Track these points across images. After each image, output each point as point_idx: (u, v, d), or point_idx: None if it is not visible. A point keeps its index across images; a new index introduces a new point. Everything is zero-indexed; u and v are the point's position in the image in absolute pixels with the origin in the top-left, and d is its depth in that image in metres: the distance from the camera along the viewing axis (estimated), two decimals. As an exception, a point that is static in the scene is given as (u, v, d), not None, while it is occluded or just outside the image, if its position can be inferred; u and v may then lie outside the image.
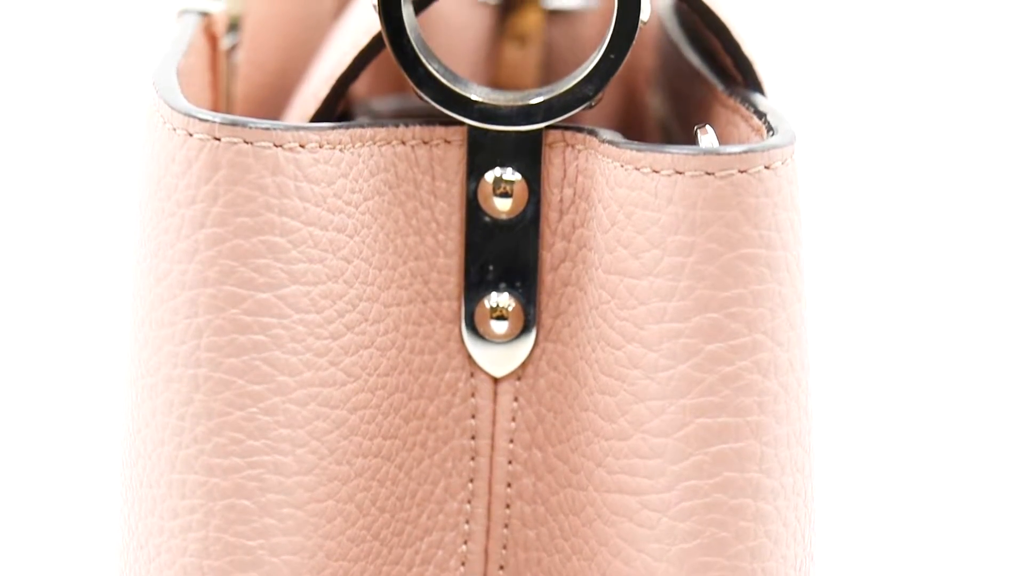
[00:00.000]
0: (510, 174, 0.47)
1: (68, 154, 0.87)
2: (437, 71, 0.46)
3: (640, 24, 0.46)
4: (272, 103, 0.65)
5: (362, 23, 0.50)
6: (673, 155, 0.43)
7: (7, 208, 0.84)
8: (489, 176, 0.47)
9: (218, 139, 0.43)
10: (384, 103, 0.68)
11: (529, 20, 0.76)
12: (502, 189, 0.47)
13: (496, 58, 0.77)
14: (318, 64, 0.57)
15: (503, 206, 0.47)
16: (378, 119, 0.63)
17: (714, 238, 0.42)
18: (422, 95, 0.46)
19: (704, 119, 0.53)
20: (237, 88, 0.62)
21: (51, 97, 0.92)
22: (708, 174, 0.42)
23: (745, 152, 0.42)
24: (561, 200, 0.47)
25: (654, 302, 0.43)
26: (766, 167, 0.42)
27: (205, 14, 0.57)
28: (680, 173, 0.42)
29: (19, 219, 0.84)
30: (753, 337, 0.42)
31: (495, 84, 0.77)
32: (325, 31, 0.72)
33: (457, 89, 0.46)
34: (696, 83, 0.55)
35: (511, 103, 0.46)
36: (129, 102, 0.84)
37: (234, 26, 0.61)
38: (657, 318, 0.43)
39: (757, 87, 0.50)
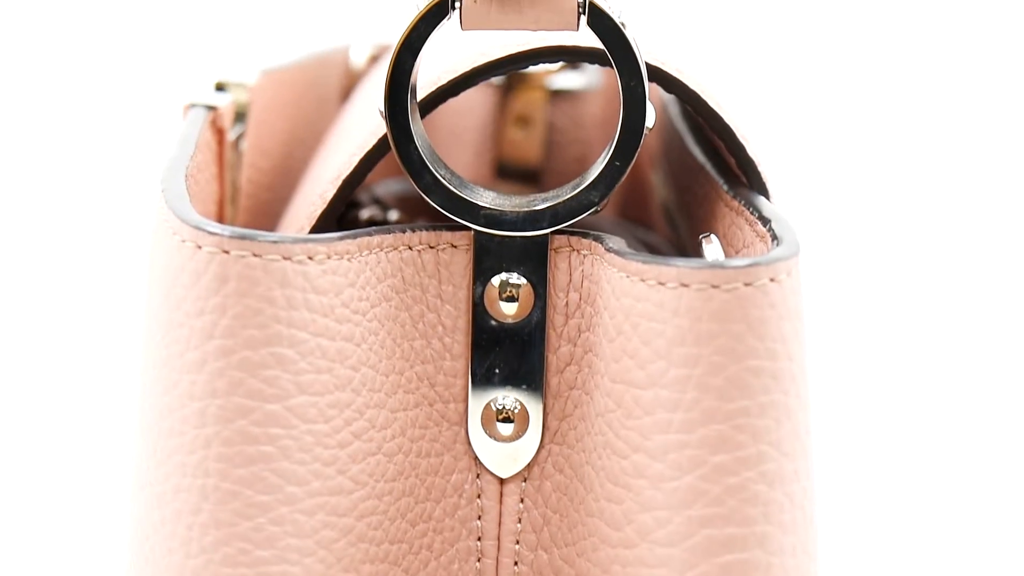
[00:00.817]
0: (516, 278, 0.47)
1: (75, 245, 0.88)
2: (444, 177, 0.47)
3: (646, 131, 0.46)
4: (277, 188, 0.66)
5: (369, 123, 0.51)
6: (679, 268, 0.43)
7: (13, 302, 0.84)
8: (495, 280, 0.47)
9: (227, 252, 0.43)
10: (387, 187, 0.69)
11: (531, 100, 0.77)
12: (508, 293, 0.47)
13: (499, 137, 0.77)
14: (324, 157, 0.58)
15: (509, 310, 0.47)
16: (381, 204, 0.64)
17: (720, 351, 0.42)
18: (429, 201, 0.47)
19: (708, 218, 0.53)
20: (242, 176, 0.62)
21: (58, 188, 0.92)
22: (714, 287, 0.42)
23: (750, 266, 0.42)
24: (567, 304, 0.47)
25: (660, 413, 0.43)
26: (771, 280, 0.43)
27: (212, 108, 0.58)
28: (685, 286, 0.43)
29: (26, 307, 0.85)
30: (758, 448, 0.43)
31: (499, 162, 0.77)
32: (331, 114, 0.73)
33: (464, 195, 0.47)
34: (700, 178, 0.55)
35: (517, 209, 0.47)
36: (137, 197, 0.85)
37: (240, 115, 0.61)
38: (663, 429, 0.43)
39: (761, 188, 0.50)
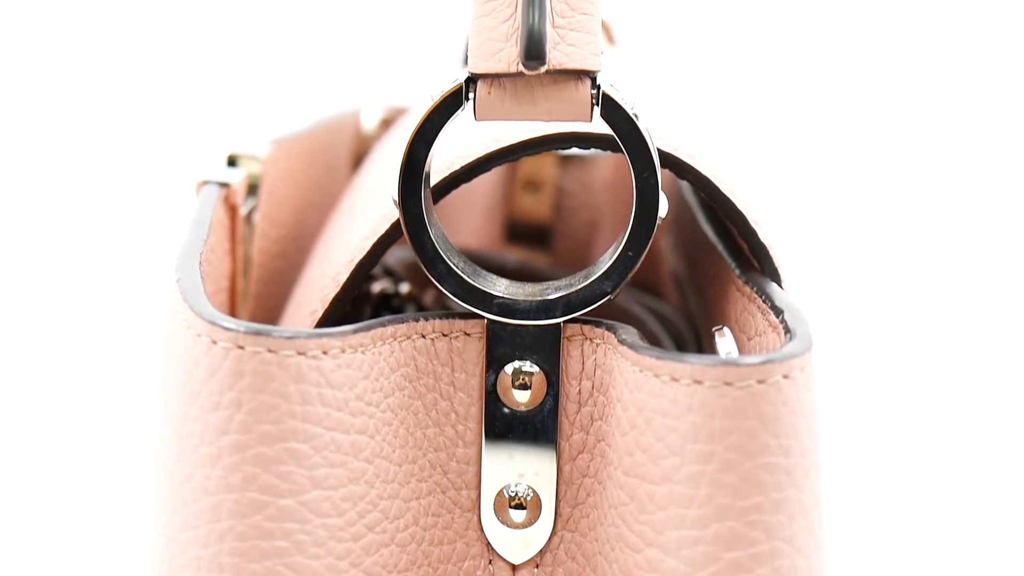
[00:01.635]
0: (529, 367, 0.47)
1: (89, 324, 0.88)
2: (457, 266, 0.47)
3: (658, 221, 0.46)
4: (289, 255, 0.66)
5: (381, 206, 0.51)
6: (692, 365, 0.43)
7: (27, 375, 0.84)
8: (508, 368, 0.47)
9: (242, 348, 0.43)
10: (396, 256, 0.69)
11: (541, 165, 0.77)
12: (521, 381, 0.47)
13: (510, 201, 0.78)
14: (337, 232, 0.58)
15: (522, 398, 0.47)
16: (392, 276, 0.64)
17: (733, 448, 0.42)
18: (442, 289, 0.47)
19: (719, 299, 0.54)
20: (255, 247, 0.62)
21: (72, 267, 0.92)
22: (727, 384, 0.42)
23: (764, 363, 0.42)
24: (580, 392, 0.47)
25: (673, 508, 0.43)
26: (784, 376, 0.43)
27: (224, 185, 0.58)
28: (699, 383, 0.43)
29: (41, 376, 0.84)
30: (772, 544, 0.43)
31: (509, 226, 0.77)
32: (343, 179, 0.73)
33: (477, 284, 0.47)
34: (711, 256, 0.55)
35: (530, 298, 0.47)
36: (151, 277, 0.85)
37: (253, 188, 0.62)
38: (676, 524, 0.43)
39: (774, 273, 0.50)
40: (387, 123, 0.75)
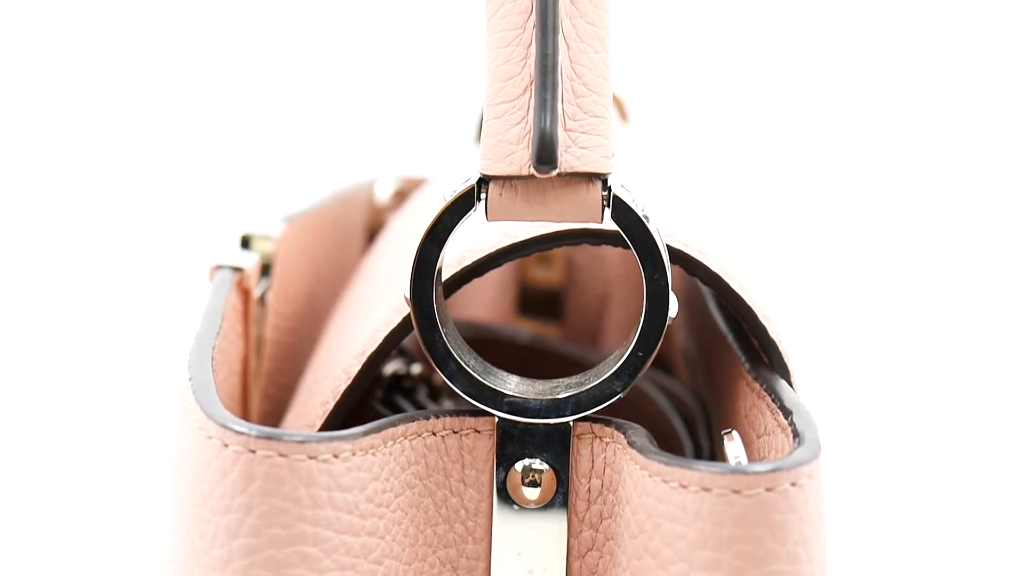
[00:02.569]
0: (539, 464, 0.47)
1: (101, 414, 0.88)
2: (468, 364, 0.47)
3: (668, 321, 0.47)
4: (301, 331, 0.66)
5: (394, 299, 0.51)
6: (701, 472, 0.43)
7: (30, 471, 0.84)
8: (518, 466, 0.47)
9: (253, 452, 0.43)
10: (412, 339, 0.69)
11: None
12: (531, 478, 0.47)
13: (522, 275, 0.78)
14: (350, 317, 0.58)
15: (532, 495, 0.47)
16: (405, 355, 0.64)
17: (741, 555, 0.43)
18: (454, 387, 0.47)
19: (728, 389, 0.54)
20: (267, 326, 0.62)
21: (84, 354, 0.93)
22: (735, 492, 0.43)
23: (772, 471, 0.43)
24: (589, 490, 0.47)
25: (681, 614, 0.43)
26: (792, 484, 0.43)
27: (238, 269, 0.58)
28: (707, 490, 0.43)
29: (53, 466, 0.85)
30: (780, 651, 0.43)
31: (521, 299, 0.78)
32: (355, 252, 0.73)
33: (488, 382, 0.47)
34: (722, 346, 0.56)
35: (540, 396, 0.47)
36: (163, 365, 0.85)
37: (266, 268, 0.62)
38: (684, 631, 0.43)
39: (783, 369, 0.50)
40: (401, 195, 0.76)
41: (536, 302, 0.77)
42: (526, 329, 0.74)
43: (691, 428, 0.64)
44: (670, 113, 1.01)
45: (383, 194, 0.76)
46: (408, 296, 0.47)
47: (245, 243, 0.62)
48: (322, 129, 1.05)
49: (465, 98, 0.85)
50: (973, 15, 1.06)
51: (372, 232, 0.75)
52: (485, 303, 0.77)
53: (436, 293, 0.47)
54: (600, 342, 0.77)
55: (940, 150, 1.05)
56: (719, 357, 0.57)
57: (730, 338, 0.54)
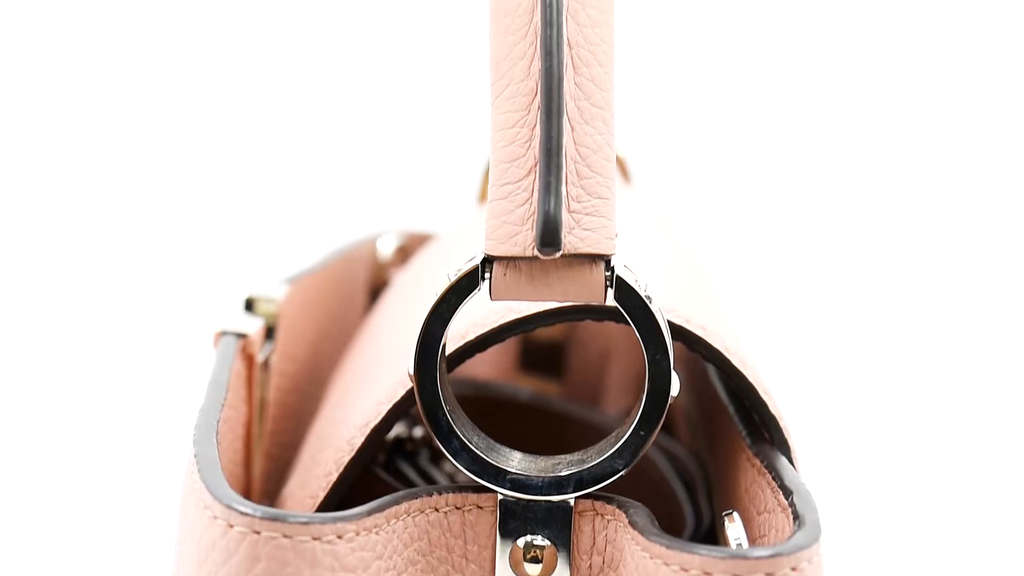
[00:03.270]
0: (540, 540, 0.48)
1: (105, 481, 0.87)
2: (471, 441, 0.47)
3: (670, 400, 0.47)
4: (304, 391, 0.67)
5: (398, 372, 0.52)
6: (702, 557, 0.43)
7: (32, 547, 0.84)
8: (520, 542, 0.48)
9: (258, 533, 0.44)
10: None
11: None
12: (532, 554, 0.48)
13: (522, 336, 0.78)
14: (353, 384, 0.59)
15: (533, 571, 0.48)
16: (409, 418, 0.64)
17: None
18: (456, 464, 0.47)
19: (729, 461, 0.54)
20: (271, 388, 0.63)
21: (88, 421, 0.93)
22: (736, 577, 0.43)
23: (773, 556, 0.43)
24: (590, 567, 0.48)
25: None
26: (792, 569, 0.43)
27: (242, 335, 0.59)
28: (708, 575, 0.43)
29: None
30: None
31: (523, 357, 0.78)
32: (358, 308, 0.74)
33: (490, 459, 0.47)
34: (724, 416, 0.56)
35: (543, 474, 0.48)
36: (165, 434, 0.85)
37: (270, 330, 0.62)
38: None
39: (783, 445, 0.51)
40: (404, 251, 0.76)
41: (537, 359, 0.77)
42: (527, 387, 0.75)
43: (691, 491, 0.64)
44: (672, 172, 1.01)
45: (386, 250, 0.76)
46: (412, 373, 0.47)
47: (249, 306, 0.63)
48: (323, 184, 1.05)
49: (467, 153, 0.85)
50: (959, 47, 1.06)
51: (375, 288, 0.75)
52: (486, 359, 0.77)
53: (440, 370, 0.47)
54: (601, 399, 0.77)
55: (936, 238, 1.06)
56: (720, 425, 0.57)
57: (731, 410, 0.54)
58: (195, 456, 0.47)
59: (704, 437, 0.63)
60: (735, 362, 0.50)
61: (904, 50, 1.07)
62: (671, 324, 0.49)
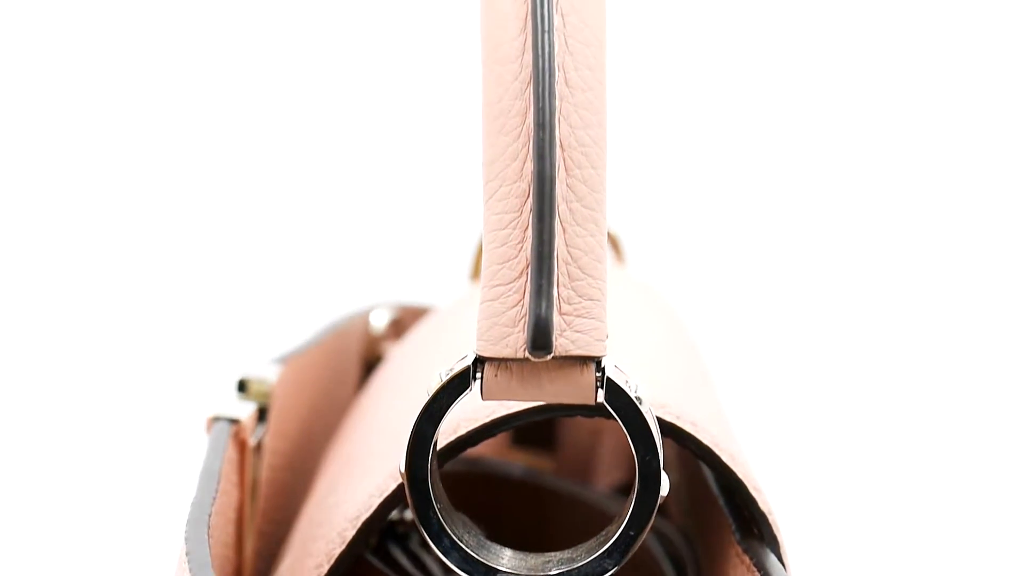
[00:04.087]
0: (529, 637, 0.48)
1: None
2: (462, 540, 0.47)
3: (660, 500, 0.47)
4: (296, 467, 0.67)
5: (390, 465, 0.52)
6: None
7: None
8: (511, 637, 0.48)
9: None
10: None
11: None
12: (522, 651, 0.48)
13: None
14: (345, 468, 0.59)
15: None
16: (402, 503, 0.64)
17: None
18: (447, 561, 0.48)
19: (718, 557, 0.54)
20: (263, 468, 0.63)
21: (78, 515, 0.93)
22: None
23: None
24: (580, 663, 0.48)
25: None
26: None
27: (235, 421, 0.59)
28: None
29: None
30: None
31: (514, 431, 0.78)
32: (352, 382, 0.74)
33: (481, 558, 0.48)
34: (715, 506, 0.56)
35: (533, 572, 0.48)
36: (157, 521, 0.85)
37: (263, 412, 0.62)
38: None
39: (772, 542, 0.51)
40: (397, 324, 0.76)
41: (529, 434, 0.77)
42: (519, 461, 0.75)
43: (681, 574, 0.64)
44: (666, 248, 1.02)
45: (379, 324, 0.76)
46: (403, 471, 0.48)
47: (242, 387, 0.63)
48: (314, 256, 1.05)
49: (460, 225, 0.86)
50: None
51: (369, 362, 0.75)
52: (479, 433, 0.77)
53: (431, 469, 0.48)
54: (593, 473, 0.77)
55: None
56: (711, 514, 0.57)
57: (721, 501, 0.54)
58: (187, 555, 0.47)
59: (695, 522, 0.63)
60: (724, 458, 0.51)
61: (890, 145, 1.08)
62: (661, 421, 0.49)
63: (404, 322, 0.76)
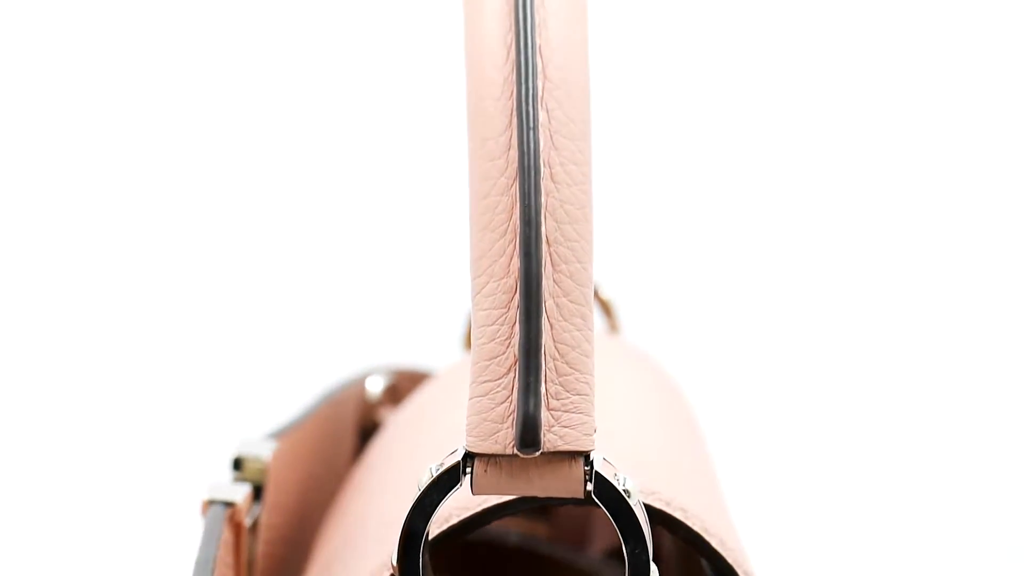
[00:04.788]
0: None
1: None
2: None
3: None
4: (293, 539, 0.67)
5: (382, 551, 0.52)
6: None
7: None
8: None
9: None
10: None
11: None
12: None
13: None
14: (340, 554, 0.59)
15: None
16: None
17: None
18: None
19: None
20: (259, 544, 0.63)
21: None
22: None
23: None
24: None
25: None
26: None
27: (230, 504, 0.59)
28: None
29: None
30: None
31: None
32: (348, 450, 0.74)
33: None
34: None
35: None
36: None
37: (258, 491, 0.63)
38: None
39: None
40: (393, 390, 0.77)
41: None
42: (515, 528, 0.75)
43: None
44: (663, 314, 1.02)
45: (375, 390, 0.76)
46: (394, 564, 0.48)
47: (237, 465, 0.63)
48: (307, 322, 1.06)
49: (452, 288, 0.86)
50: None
51: (365, 429, 0.76)
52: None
53: (423, 562, 0.48)
54: (589, 539, 0.78)
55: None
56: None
57: (708, 571, 0.55)
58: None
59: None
60: (714, 544, 0.51)
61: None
62: (650, 508, 0.50)
63: (400, 388, 0.77)
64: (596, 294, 0.71)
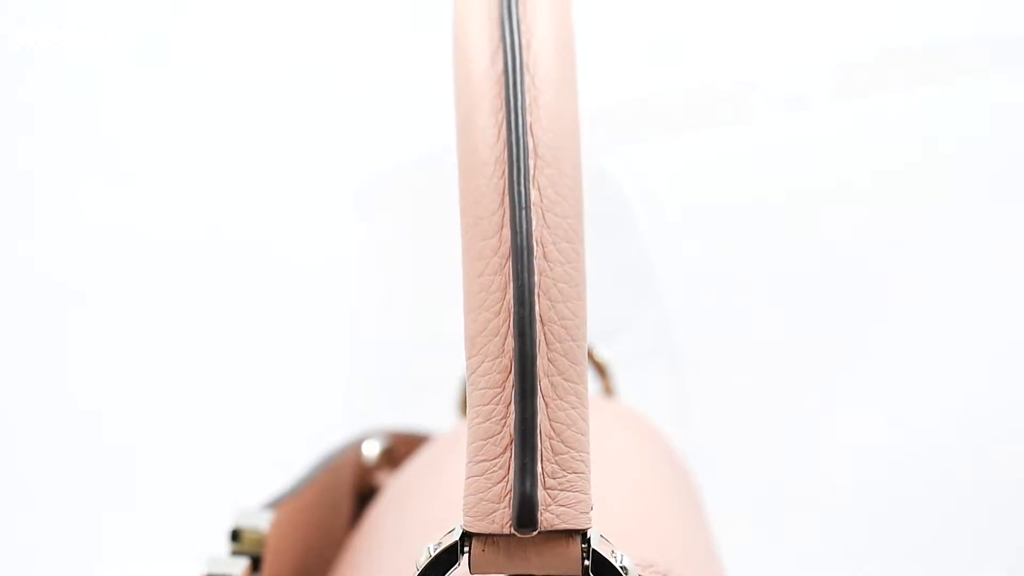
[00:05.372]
0: None
1: None
2: None
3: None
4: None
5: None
6: None
7: None
8: None
9: None
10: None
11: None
12: None
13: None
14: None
15: None
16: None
17: None
18: None
19: None
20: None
21: None
22: None
23: None
24: None
25: None
26: None
27: (227, 580, 0.59)
28: None
29: None
30: None
31: None
32: (344, 515, 0.74)
33: None
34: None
35: None
36: None
37: (256, 562, 0.63)
38: None
39: None
40: (389, 454, 0.77)
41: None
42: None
43: None
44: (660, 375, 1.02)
45: (371, 453, 0.77)
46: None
47: (235, 536, 0.63)
48: (299, 380, 1.06)
49: (446, 349, 0.86)
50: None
51: (361, 493, 0.76)
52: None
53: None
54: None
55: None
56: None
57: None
58: None
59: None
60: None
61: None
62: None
63: (396, 451, 0.77)
64: (590, 355, 0.71)
